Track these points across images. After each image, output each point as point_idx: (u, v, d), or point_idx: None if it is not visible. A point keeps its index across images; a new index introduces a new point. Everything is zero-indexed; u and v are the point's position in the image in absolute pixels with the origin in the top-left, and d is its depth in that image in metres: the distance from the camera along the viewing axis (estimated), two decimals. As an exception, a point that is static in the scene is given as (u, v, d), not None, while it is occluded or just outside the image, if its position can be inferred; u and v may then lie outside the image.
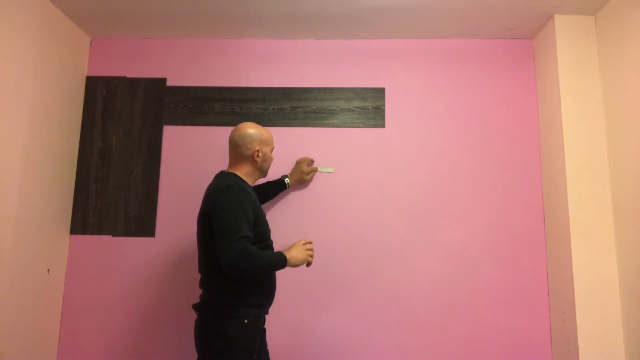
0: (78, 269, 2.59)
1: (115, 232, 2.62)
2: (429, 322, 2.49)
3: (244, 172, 2.06)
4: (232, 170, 2.06)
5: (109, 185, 2.67)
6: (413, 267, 2.54)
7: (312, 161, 2.60)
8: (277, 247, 2.57)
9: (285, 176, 2.52)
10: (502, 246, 2.54)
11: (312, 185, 2.62)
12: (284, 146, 2.66)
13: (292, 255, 1.94)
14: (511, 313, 2.48)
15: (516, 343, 2.45)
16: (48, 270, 2.44)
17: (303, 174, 2.53)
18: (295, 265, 1.95)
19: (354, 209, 2.60)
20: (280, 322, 2.50)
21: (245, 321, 1.85)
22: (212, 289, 1.92)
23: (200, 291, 1.99)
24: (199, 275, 2.01)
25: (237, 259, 1.75)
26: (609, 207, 2.29)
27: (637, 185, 2.09)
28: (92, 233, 2.62)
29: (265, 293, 1.98)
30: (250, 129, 2.07)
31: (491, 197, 2.58)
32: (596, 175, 2.32)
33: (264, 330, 2.07)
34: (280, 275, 2.54)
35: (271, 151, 2.14)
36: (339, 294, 2.53)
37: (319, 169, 2.62)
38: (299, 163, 2.55)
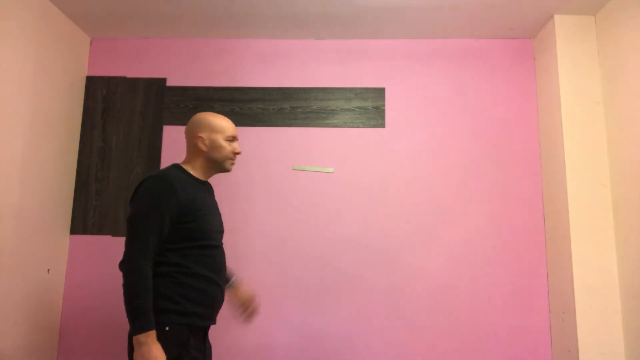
0: (78, 269, 2.59)
1: (115, 232, 2.62)
2: (429, 321, 2.49)
3: (192, 165, 1.85)
4: (181, 163, 1.87)
5: (109, 185, 2.67)
6: (413, 267, 2.54)
7: (249, 307, 2.04)
8: (272, 248, 2.57)
9: (235, 281, 2.05)
10: (502, 246, 2.54)
11: (312, 185, 2.62)
12: (284, 146, 2.66)
13: (147, 348, 1.53)
14: (511, 313, 2.48)
15: (516, 343, 2.45)
16: (48, 270, 2.44)
17: (238, 300, 2.02)
18: (136, 356, 1.55)
19: (354, 208, 2.60)
20: (280, 322, 2.50)
21: (167, 328, 1.62)
22: None
23: None
24: None
25: (125, 266, 1.61)
26: (609, 207, 2.29)
27: (637, 185, 2.09)
28: (92, 233, 2.62)
29: (197, 300, 1.70)
30: (196, 118, 1.87)
31: (491, 197, 2.58)
32: (596, 175, 2.32)
33: (204, 346, 1.78)
34: (280, 275, 2.55)
35: (230, 140, 1.86)
36: (339, 294, 2.53)
37: (319, 169, 2.61)
38: (242, 297, 2.02)
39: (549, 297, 2.48)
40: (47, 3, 2.39)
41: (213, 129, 1.84)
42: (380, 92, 2.70)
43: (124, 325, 2.52)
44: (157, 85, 2.75)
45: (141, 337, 1.54)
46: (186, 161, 1.88)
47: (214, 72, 2.75)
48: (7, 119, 2.13)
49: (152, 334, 1.56)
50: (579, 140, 2.35)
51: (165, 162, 2.67)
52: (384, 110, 2.69)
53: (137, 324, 1.55)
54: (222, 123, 1.86)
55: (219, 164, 1.87)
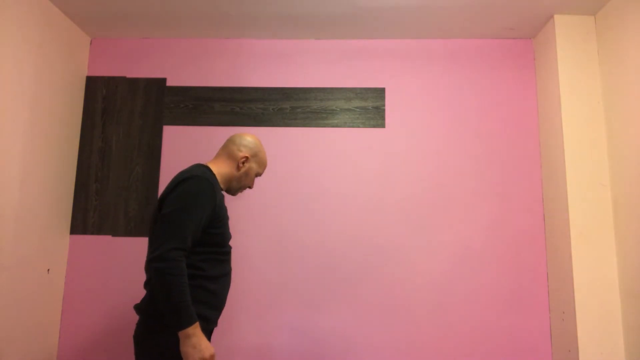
0: (78, 269, 2.59)
1: (115, 232, 2.62)
2: (429, 321, 2.49)
3: (220, 171, 1.85)
4: (209, 166, 1.85)
5: (109, 185, 2.67)
6: (413, 267, 2.54)
7: None
8: (272, 249, 2.57)
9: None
10: (502, 246, 2.54)
11: (311, 185, 2.62)
12: (284, 146, 2.66)
13: (197, 340, 1.55)
14: (511, 313, 2.48)
15: (516, 343, 2.45)
16: (48, 270, 2.44)
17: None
18: (186, 349, 1.54)
19: (354, 208, 2.60)
20: (280, 322, 2.50)
21: None
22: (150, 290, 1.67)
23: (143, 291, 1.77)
24: None
25: (163, 262, 1.54)
26: (609, 207, 2.29)
27: (637, 185, 2.09)
28: (92, 233, 2.62)
29: (210, 304, 1.71)
30: (253, 139, 1.91)
31: (491, 197, 2.58)
32: (596, 175, 2.32)
33: None
34: (280, 274, 2.55)
35: (255, 175, 1.93)
36: (339, 294, 2.53)
37: None
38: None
39: (549, 297, 2.48)
40: (47, 3, 2.39)
41: (258, 160, 1.90)
42: (380, 92, 2.70)
43: (124, 325, 2.53)
44: (157, 85, 2.75)
45: (189, 330, 1.54)
46: (215, 165, 1.86)
47: (214, 72, 2.75)
48: (7, 119, 2.13)
49: (198, 325, 1.57)
50: (579, 140, 2.35)
51: (165, 162, 2.67)
52: (384, 110, 2.69)
53: (184, 318, 1.54)
54: (265, 160, 1.94)
55: (235, 187, 1.90)
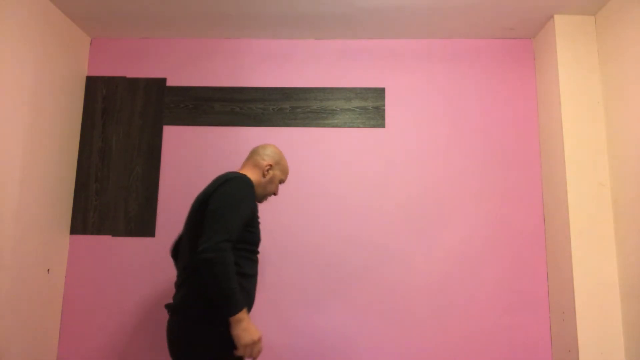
0: (78, 269, 2.59)
1: (115, 232, 2.62)
2: (429, 322, 2.49)
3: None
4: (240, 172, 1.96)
5: (109, 185, 2.67)
6: (413, 267, 2.54)
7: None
8: (272, 248, 2.57)
9: None
10: (502, 246, 2.54)
11: (311, 185, 2.62)
12: (284, 146, 2.66)
13: (247, 323, 1.66)
14: (511, 313, 2.48)
15: (516, 343, 2.45)
16: (48, 270, 2.44)
17: None
18: (237, 332, 1.65)
19: (354, 208, 2.60)
20: (280, 322, 2.50)
21: (222, 329, 1.67)
22: (197, 287, 1.72)
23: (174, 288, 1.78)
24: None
25: (207, 249, 1.62)
26: (609, 207, 2.29)
27: (637, 185, 2.09)
28: (92, 233, 2.62)
29: (248, 302, 1.80)
30: (275, 150, 2.04)
31: (491, 197, 2.58)
32: (596, 175, 2.32)
33: None
34: (280, 275, 2.55)
35: (279, 182, 2.05)
36: (339, 294, 2.53)
37: None
38: None
39: (549, 297, 2.48)
40: (47, 3, 2.39)
41: (281, 168, 2.03)
42: (380, 92, 2.70)
43: (124, 325, 2.53)
44: (157, 85, 2.75)
45: (240, 315, 1.65)
46: (245, 172, 1.98)
47: (214, 72, 2.75)
48: (7, 119, 2.13)
49: (246, 310, 1.68)
50: (579, 140, 2.35)
51: (165, 162, 2.67)
52: (384, 110, 2.69)
53: (235, 303, 1.64)
54: (287, 168, 2.08)
55: (260, 194, 2.00)
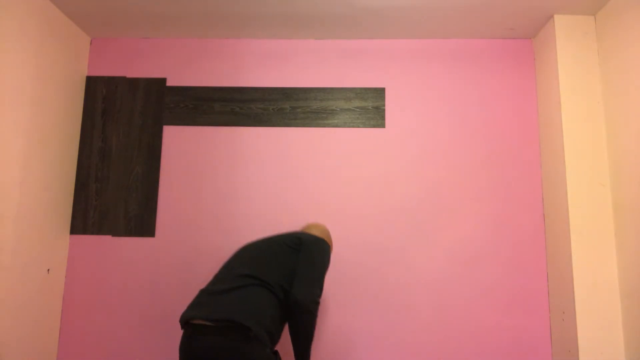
0: (78, 269, 2.59)
1: (115, 232, 2.62)
2: (429, 322, 2.49)
3: None
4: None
5: (109, 185, 2.67)
6: (413, 267, 2.54)
7: None
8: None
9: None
10: (502, 246, 2.54)
11: (311, 185, 2.63)
12: (284, 146, 2.66)
13: None
14: (511, 313, 2.48)
15: (516, 343, 2.45)
16: (48, 270, 2.44)
17: None
18: None
19: (354, 209, 2.60)
20: (280, 322, 2.50)
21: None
22: (259, 307, 1.73)
23: (215, 302, 1.74)
24: (203, 276, 1.88)
25: (311, 301, 1.81)
26: (609, 207, 2.29)
27: (637, 185, 2.09)
28: (92, 233, 2.62)
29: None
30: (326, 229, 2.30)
31: (491, 197, 2.58)
32: (596, 175, 2.32)
33: None
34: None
35: None
36: (340, 294, 2.53)
37: None
38: None
39: (549, 297, 2.48)
40: (47, 3, 2.39)
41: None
42: (380, 92, 2.70)
43: (124, 325, 2.53)
44: (157, 85, 2.75)
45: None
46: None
47: (214, 72, 2.75)
48: (8, 118, 2.13)
49: None
50: (579, 140, 2.35)
51: (165, 162, 2.67)
52: (384, 110, 2.69)
53: (309, 350, 1.88)
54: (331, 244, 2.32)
55: None
